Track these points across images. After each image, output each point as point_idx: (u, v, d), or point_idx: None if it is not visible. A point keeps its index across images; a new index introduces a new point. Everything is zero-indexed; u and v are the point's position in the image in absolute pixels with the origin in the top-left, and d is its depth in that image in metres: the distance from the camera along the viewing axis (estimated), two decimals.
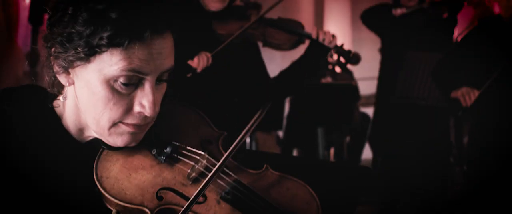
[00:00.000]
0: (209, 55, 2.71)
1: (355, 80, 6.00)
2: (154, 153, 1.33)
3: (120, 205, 1.23)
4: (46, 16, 1.27)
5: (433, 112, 4.05)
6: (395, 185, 4.29)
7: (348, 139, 5.94)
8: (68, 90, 1.30)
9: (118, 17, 1.16)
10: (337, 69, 5.61)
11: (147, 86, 1.23)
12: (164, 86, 1.30)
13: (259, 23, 2.86)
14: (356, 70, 6.49)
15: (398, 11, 4.47)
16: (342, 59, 2.94)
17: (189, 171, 1.32)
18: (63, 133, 1.33)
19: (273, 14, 3.01)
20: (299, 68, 2.90)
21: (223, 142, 1.42)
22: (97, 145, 1.32)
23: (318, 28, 2.89)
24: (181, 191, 1.28)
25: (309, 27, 2.99)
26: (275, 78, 2.97)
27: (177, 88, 2.63)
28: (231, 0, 2.87)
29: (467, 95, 3.31)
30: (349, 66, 6.14)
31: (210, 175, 1.25)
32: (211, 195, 1.30)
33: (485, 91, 3.29)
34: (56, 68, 1.26)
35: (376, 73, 5.00)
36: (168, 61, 1.24)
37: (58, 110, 1.34)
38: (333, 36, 2.87)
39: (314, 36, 2.85)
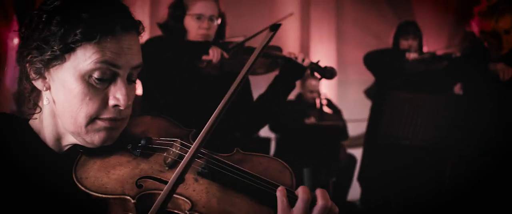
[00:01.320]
0: (220, 50, 2.81)
1: (343, 120, 6.04)
2: (129, 147, 1.39)
3: (102, 197, 1.28)
4: None
5: (418, 151, 4.09)
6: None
7: (334, 179, 5.94)
8: (44, 97, 1.37)
9: (90, 17, 1.26)
10: (323, 103, 5.67)
11: (120, 81, 1.32)
12: (134, 87, 1.39)
13: (237, 53, 2.91)
14: (342, 111, 6.56)
15: (411, 56, 4.52)
16: (317, 74, 2.94)
17: (165, 155, 1.38)
18: (42, 146, 1.39)
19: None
20: (275, 88, 2.93)
21: (193, 137, 1.48)
22: (75, 152, 1.37)
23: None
24: (159, 177, 1.34)
25: None
26: (255, 102, 3.00)
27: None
28: (217, 36, 2.95)
29: (507, 70, 3.39)
30: (335, 102, 6.22)
31: (187, 156, 1.27)
32: (188, 175, 1.35)
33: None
34: (32, 75, 1.33)
35: (362, 114, 5.07)
36: (137, 58, 1.34)
37: (35, 126, 1.40)
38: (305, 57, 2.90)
39: (287, 55, 2.89)
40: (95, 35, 1.26)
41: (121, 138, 1.39)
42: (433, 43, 5.44)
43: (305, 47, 8.29)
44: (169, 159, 1.37)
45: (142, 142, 1.39)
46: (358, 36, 7.96)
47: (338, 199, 5.76)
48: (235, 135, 2.96)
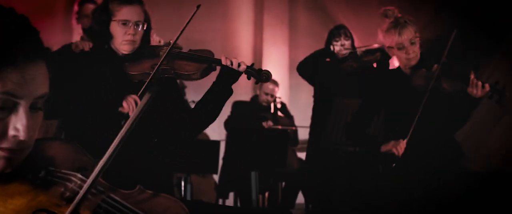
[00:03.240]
0: (136, 96, 2.72)
1: (295, 126, 6.08)
2: (29, 177, 1.36)
3: None
4: None
5: (361, 158, 4.14)
6: None
7: (283, 184, 5.98)
8: None
9: None
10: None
11: (21, 111, 1.26)
12: (40, 115, 1.34)
13: (169, 58, 2.87)
14: (295, 116, 6.61)
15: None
16: (253, 79, 2.95)
17: (62, 190, 1.37)
18: None
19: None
20: (212, 94, 2.93)
21: None
22: None
23: (227, 56, 2.92)
24: (55, 211, 1.32)
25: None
26: (194, 107, 2.99)
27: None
28: (143, 41, 2.91)
29: (398, 146, 3.42)
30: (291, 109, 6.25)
31: (82, 191, 1.30)
32: (85, 212, 1.34)
33: (409, 139, 3.42)
34: None
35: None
36: (42, 88, 1.28)
37: None
38: (240, 62, 2.89)
39: (223, 61, 2.89)
40: None
41: (26, 163, 1.34)
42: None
43: (258, 51, 8.35)
44: (67, 194, 1.36)
45: (42, 173, 1.37)
46: (310, 40, 8.05)
47: (287, 204, 5.80)
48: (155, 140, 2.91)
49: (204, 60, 2.91)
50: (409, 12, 3.82)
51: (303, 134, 6.50)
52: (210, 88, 2.94)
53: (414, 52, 3.51)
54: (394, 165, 3.49)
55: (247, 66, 2.90)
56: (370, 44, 4.86)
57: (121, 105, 2.71)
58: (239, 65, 2.87)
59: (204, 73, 2.92)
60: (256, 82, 2.97)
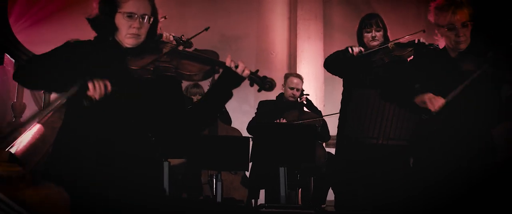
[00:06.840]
0: (106, 81, 2.56)
1: (324, 121, 5.98)
2: None
3: None
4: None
5: (387, 150, 4.04)
6: None
7: (314, 178, 5.91)
8: None
9: None
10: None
11: None
12: None
13: (173, 56, 2.81)
14: (328, 111, 6.54)
15: (355, 50, 4.53)
16: (256, 86, 2.83)
17: None
18: None
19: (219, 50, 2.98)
20: (212, 96, 2.86)
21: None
22: None
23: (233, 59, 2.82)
24: None
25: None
26: (191, 109, 2.91)
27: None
28: (148, 36, 2.82)
29: (434, 100, 3.22)
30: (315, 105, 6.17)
31: None
32: None
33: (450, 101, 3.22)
34: None
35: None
36: None
37: None
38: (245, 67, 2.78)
39: (227, 64, 2.80)
40: None
41: None
42: None
43: (292, 45, 8.32)
44: None
45: None
46: (344, 35, 7.97)
47: (317, 200, 5.74)
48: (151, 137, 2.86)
49: (208, 62, 2.83)
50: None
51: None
52: (209, 89, 2.88)
53: (465, 36, 3.34)
54: (424, 117, 3.27)
55: (251, 72, 2.80)
56: (402, 37, 4.69)
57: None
58: (243, 70, 2.77)
59: (207, 75, 2.83)
60: (259, 90, 2.84)
